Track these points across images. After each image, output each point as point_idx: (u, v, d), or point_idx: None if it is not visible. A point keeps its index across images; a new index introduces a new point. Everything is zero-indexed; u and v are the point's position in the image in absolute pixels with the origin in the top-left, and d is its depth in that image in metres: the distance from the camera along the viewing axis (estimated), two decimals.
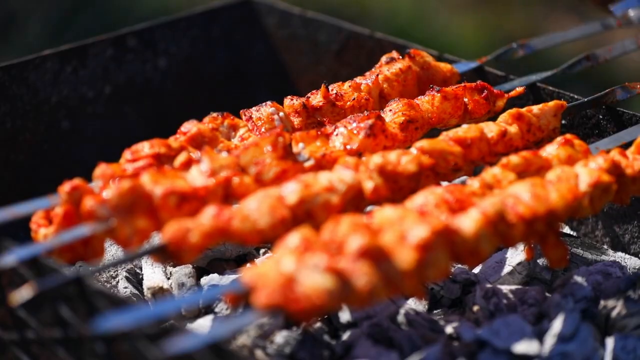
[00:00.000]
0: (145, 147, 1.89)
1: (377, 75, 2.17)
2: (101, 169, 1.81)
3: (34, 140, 2.51)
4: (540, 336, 1.82)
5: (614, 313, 1.86)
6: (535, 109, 2.06)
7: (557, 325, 1.81)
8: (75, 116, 2.58)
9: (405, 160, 1.83)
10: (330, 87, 2.12)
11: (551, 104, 2.08)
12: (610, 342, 1.82)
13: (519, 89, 2.19)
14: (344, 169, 1.80)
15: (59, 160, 2.56)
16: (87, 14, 5.10)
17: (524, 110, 2.04)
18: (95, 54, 2.60)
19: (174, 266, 2.08)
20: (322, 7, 4.64)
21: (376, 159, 1.81)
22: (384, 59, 2.23)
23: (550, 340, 1.79)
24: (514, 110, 2.03)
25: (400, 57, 2.24)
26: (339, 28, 2.73)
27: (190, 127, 1.99)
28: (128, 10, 5.08)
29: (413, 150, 1.86)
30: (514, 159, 1.84)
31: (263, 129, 2.01)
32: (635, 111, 2.24)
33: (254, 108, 2.05)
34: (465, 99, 2.11)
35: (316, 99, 2.10)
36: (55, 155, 2.56)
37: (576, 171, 1.83)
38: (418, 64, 2.24)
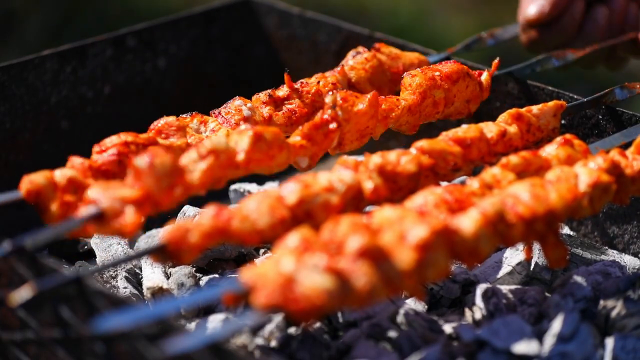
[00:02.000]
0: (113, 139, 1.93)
1: (343, 65, 2.23)
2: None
3: (34, 140, 2.51)
4: (539, 336, 1.82)
5: (614, 313, 1.86)
6: (535, 109, 2.06)
7: (556, 325, 1.81)
8: (75, 116, 2.58)
9: (405, 160, 1.83)
10: (299, 82, 2.17)
11: (551, 104, 2.08)
12: (609, 342, 1.81)
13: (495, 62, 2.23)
14: (343, 169, 1.80)
15: (58, 160, 2.55)
16: (87, 14, 5.10)
17: (523, 110, 2.04)
18: (95, 54, 2.60)
19: (174, 266, 2.08)
20: (321, 7, 4.65)
21: (376, 159, 1.81)
22: (350, 53, 2.27)
23: (549, 340, 1.79)
24: (513, 111, 2.03)
25: (367, 50, 2.28)
26: (339, 28, 2.73)
27: (157, 123, 2.03)
28: (128, 10, 5.08)
29: (412, 151, 1.86)
30: (513, 159, 1.84)
31: (233, 120, 2.05)
32: (635, 111, 2.24)
33: (222, 107, 2.10)
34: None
35: (282, 90, 2.15)
36: (55, 155, 2.55)
37: (576, 171, 1.83)
38: (384, 54, 2.28)
